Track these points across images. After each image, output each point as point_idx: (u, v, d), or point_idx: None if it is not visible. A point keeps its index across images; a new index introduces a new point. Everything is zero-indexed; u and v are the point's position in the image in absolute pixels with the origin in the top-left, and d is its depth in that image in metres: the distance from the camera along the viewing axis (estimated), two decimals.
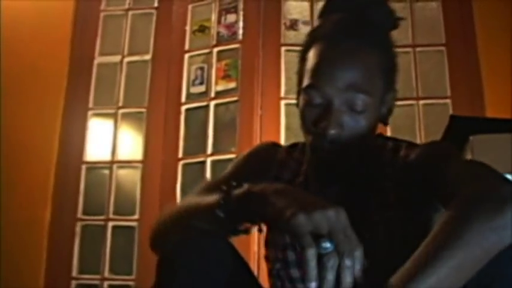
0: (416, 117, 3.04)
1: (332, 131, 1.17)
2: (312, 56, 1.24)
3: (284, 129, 3.12)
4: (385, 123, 1.30)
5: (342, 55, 1.20)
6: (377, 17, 1.28)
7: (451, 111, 2.95)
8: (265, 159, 1.40)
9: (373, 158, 1.29)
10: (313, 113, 1.21)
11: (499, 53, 3.03)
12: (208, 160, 3.21)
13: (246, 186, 1.08)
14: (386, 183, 1.25)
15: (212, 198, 1.12)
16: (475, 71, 3.06)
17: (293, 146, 1.43)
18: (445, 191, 1.08)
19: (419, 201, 1.22)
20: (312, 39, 1.28)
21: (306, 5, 3.41)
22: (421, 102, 3.07)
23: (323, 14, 1.35)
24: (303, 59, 1.29)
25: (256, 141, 2.97)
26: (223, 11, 3.49)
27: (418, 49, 3.15)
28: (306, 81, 1.23)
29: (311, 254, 0.91)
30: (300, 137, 1.35)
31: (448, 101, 3.07)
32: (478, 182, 1.03)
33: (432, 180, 1.14)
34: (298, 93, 1.30)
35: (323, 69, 1.20)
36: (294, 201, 0.98)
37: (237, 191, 1.09)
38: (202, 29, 3.49)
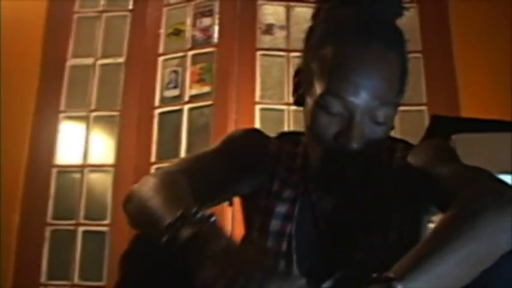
0: None
1: (354, 145, 1.10)
2: (330, 56, 1.13)
3: None
4: (391, 127, 1.23)
5: (368, 62, 1.10)
6: (385, 7, 1.20)
7: (427, 118, 2.95)
8: (258, 150, 1.30)
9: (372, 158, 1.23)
10: (331, 123, 1.12)
11: (475, 60, 3.05)
12: None
13: (191, 230, 0.92)
14: (385, 184, 1.22)
15: (166, 215, 0.97)
16: (451, 77, 3.07)
17: (280, 137, 1.35)
18: (443, 192, 1.06)
19: (416, 203, 1.21)
20: (325, 34, 1.17)
21: (282, 10, 3.39)
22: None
23: (324, 2, 1.25)
24: (314, 55, 1.17)
25: None
26: (199, 15, 3.46)
27: None
28: (323, 86, 1.12)
29: None
30: None
31: (424, 107, 3.07)
32: (481, 182, 1.01)
33: (429, 181, 1.11)
34: (297, 89, 1.23)
35: (347, 76, 1.10)
36: (224, 273, 0.84)
37: (184, 232, 0.92)
38: (177, 32, 3.46)
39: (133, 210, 1.11)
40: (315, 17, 1.28)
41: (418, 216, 1.24)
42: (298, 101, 1.24)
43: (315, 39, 1.19)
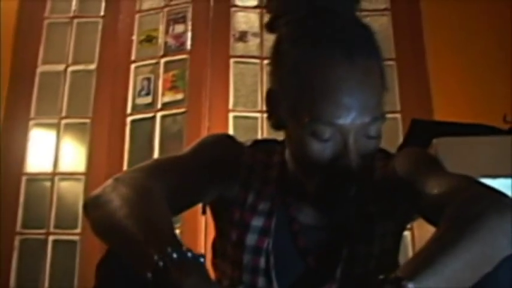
0: None
1: (353, 165, 1.05)
2: (313, 79, 1.05)
3: None
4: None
5: (355, 80, 1.04)
6: (343, 4, 1.15)
7: (401, 126, 2.96)
8: (230, 158, 1.24)
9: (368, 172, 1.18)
10: (325, 149, 1.06)
11: (448, 68, 3.06)
12: None
13: (182, 274, 0.86)
14: (366, 195, 1.18)
15: (150, 247, 0.91)
16: (425, 85, 3.08)
17: (253, 146, 1.30)
18: (431, 200, 1.04)
19: (398, 212, 1.20)
20: (301, 55, 1.08)
21: (255, 17, 3.39)
22: None
23: (287, 12, 1.19)
24: (292, 78, 1.09)
25: None
26: (172, 21, 3.44)
27: None
28: (311, 113, 1.05)
29: None
30: None
31: (398, 115, 3.06)
32: (473, 188, 1.00)
33: (414, 190, 1.09)
34: (273, 112, 1.16)
35: (336, 100, 1.03)
36: None
37: (175, 274, 0.86)
38: (150, 39, 3.44)
39: (101, 221, 1.04)
40: (270, 28, 1.23)
41: (400, 226, 1.23)
42: (278, 125, 1.17)
43: (290, 60, 1.11)
